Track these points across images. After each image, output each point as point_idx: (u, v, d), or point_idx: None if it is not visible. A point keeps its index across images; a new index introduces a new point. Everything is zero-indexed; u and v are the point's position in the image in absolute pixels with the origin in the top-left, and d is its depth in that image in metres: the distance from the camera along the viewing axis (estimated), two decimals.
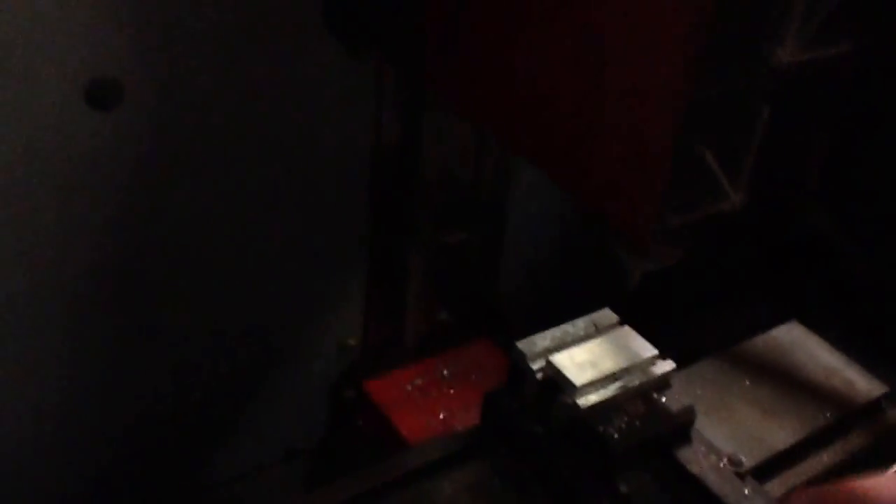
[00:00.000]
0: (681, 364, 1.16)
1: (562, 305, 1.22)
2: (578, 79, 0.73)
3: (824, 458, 1.10)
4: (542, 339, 0.97)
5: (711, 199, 0.74)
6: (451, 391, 1.20)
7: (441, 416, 1.16)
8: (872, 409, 1.17)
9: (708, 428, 1.04)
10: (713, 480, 0.92)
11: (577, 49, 0.72)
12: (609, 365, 0.96)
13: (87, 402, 1.02)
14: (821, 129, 0.80)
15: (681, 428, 0.96)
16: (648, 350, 0.98)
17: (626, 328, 1.00)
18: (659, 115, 0.67)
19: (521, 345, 0.96)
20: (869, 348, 1.29)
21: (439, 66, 0.87)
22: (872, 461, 1.10)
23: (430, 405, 1.17)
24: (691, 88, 0.65)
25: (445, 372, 1.22)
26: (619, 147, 0.71)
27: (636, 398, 0.95)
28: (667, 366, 0.97)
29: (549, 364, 0.92)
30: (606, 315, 1.02)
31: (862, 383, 1.19)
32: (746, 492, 0.93)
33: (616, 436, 0.91)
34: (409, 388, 1.19)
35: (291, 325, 1.11)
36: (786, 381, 1.18)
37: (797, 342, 1.24)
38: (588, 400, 0.91)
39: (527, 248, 1.26)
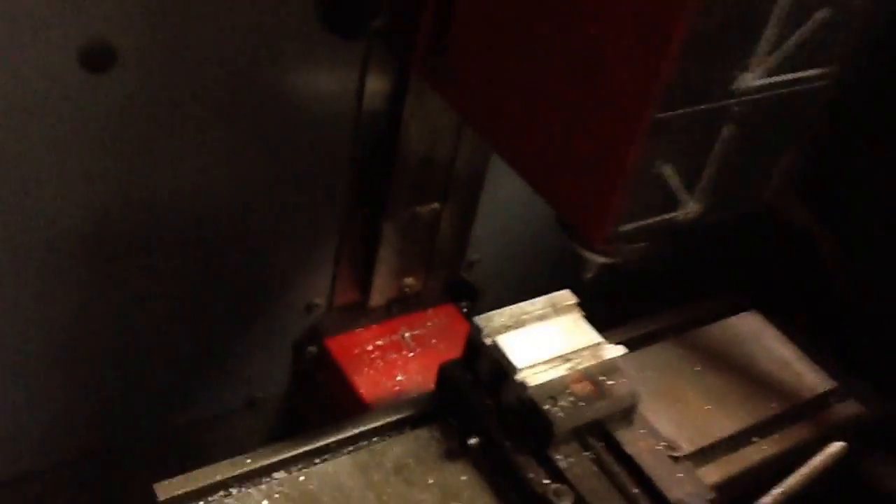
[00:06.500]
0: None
1: (534, 277, 1.36)
2: (553, 85, 0.86)
3: (765, 448, 1.25)
4: (500, 316, 1.12)
5: (667, 208, 0.87)
6: (411, 354, 1.34)
7: (398, 378, 1.30)
8: (819, 403, 1.32)
9: (653, 412, 1.20)
10: (647, 461, 1.08)
11: (555, 57, 0.85)
12: (560, 347, 1.10)
13: (54, 344, 1.16)
14: (785, 146, 0.93)
15: (623, 411, 1.10)
16: (597, 335, 1.12)
17: (582, 312, 1.15)
18: (621, 131, 0.80)
19: (479, 320, 1.11)
20: (838, 347, 1.43)
21: (428, 55, 1.00)
22: (813, 453, 1.22)
23: (388, 366, 1.32)
24: (653, 111, 0.78)
25: (407, 335, 1.36)
26: (582, 153, 0.84)
27: (584, 380, 1.09)
28: (616, 350, 1.12)
29: (495, 345, 1.06)
30: (565, 296, 1.16)
31: (812, 377, 1.35)
32: (679, 474, 1.08)
33: (559, 415, 1.05)
34: (370, 348, 1.34)
35: (261, 281, 1.25)
36: (737, 369, 1.33)
37: (753, 332, 1.40)
38: (535, 379, 1.06)
39: (499, 220, 1.38)
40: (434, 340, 1.36)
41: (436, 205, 1.27)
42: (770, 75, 0.83)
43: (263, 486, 1.05)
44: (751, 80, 0.82)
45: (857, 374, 1.39)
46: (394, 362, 1.33)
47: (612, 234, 0.85)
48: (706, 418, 1.25)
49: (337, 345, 1.33)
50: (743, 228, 1.62)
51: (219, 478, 1.03)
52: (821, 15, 0.82)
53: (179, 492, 1.01)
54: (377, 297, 1.32)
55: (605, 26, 0.79)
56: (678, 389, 1.28)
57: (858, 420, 1.32)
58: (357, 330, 1.35)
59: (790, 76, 0.84)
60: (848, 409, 1.33)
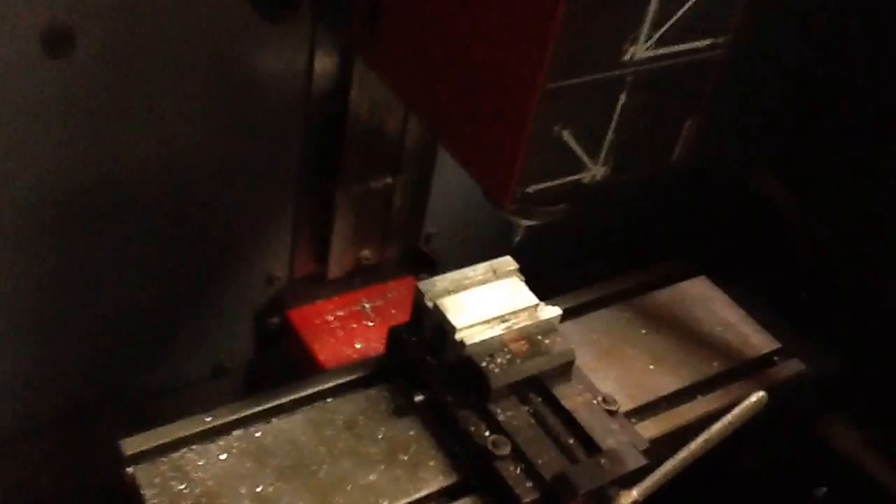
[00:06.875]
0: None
1: (492, 248, 1.44)
2: (462, 56, 0.95)
3: (705, 405, 1.32)
4: (442, 281, 1.20)
5: (571, 171, 0.96)
6: (370, 324, 1.43)
7: (357, 346, 1.39)
8: (762, 363, 1.40)
9: (597, 371, 1.28)
10: (583, 415, 1.16)
11: (462, 28, 0.94)
12: (498, 308, 1.18)
13: (23, 315, 1.25)
14: (686, 112, 1.01)
15: (560, 368, 1.19)
16: (533, 297, 1.20)
17: (521, 277, 1.23)
18: (517, 98, 0.89)
19: (422, 285, 1.19)
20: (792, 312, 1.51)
21: (361, 32, 1.09)
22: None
23: (347, 335, 1.41)
24: (544, 80, 0.86)
25: (367, 305, 1.45)
26: (487, 120, 0.93)
27: (520, 339, 1.17)
28: (552, 311, 1.20)
29: (436, 307, 1.14)
30: (505, 262, 1.24)
31: (757, 338, 1.43)
32: (614, 426, 1.16)
33: (496, 371, 1.14)
34: (330, 318, 1.43)
35: (223, 254, 1.34)
36: (682, 332, 1.41)
37: (701, 297, 1.48)
38: (473, 338, 1.14)
39: (456, 193, 1.46)
40: (393, 311, 1.45)
41: (388, 178, 1.36)
42: (660, 46, 0.91)
43: (222, 442, 1.14)
44: (642, 51, 0.90)
45: (810, 338, 1.47)
46: (354, 332, 1.42)
47: (520, 195, 0.94)
48: (649, 377, 1.33)
49: (298, 315, 1.42)
50: (701, 197, 1.72)
51: (181, 434, 1.12)
52: None
53: (144, 447, 1.10)
54: (336, 269, 1.41)
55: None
56: (623, 351, 1.36)
57: (800, 378, 1.39)
58: (318, 301, 1.44)
59: (680, 47, 0.92)
60: (791, 367, 1.41)
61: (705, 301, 1.47)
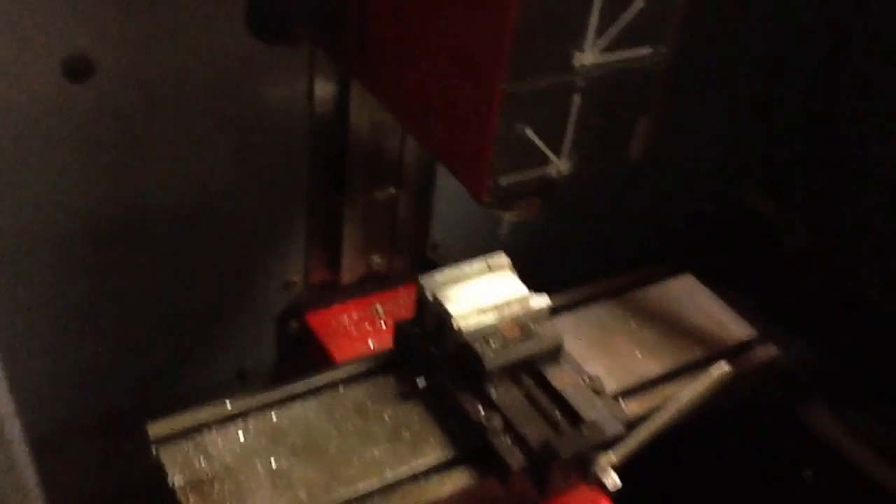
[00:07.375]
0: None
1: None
2: (439, 65, 1.08)
3: (686, 386, 1.42)
4: (441, 275, 1.32)
5: (538, 165, 1.08)
6: (383, 325, 1.55)
7: (371, 346, 1.51)
8: (740, 348, 1.51)
9: (588, 359, 1.40)
10: (570, 393, 1.27)
11: (437, 40, 1.07)
12: (492, 299, 1.30)
13: (60, 323, 1.38)
14: (637, 113, 1.13)
15: (550, 351, 1.30)
16: (525, 288, 1.32)
17: (513, 271, 1.35)
18: (481, 101, 1.01)
19: (422, 279, 1.31)
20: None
21: (353, 55, 1.23)
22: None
23: (362, 336, 1.53)
24: (502, 84, 0.99)
25: (380, 309, 1.57)
26: (460, 122, 1.05)
27: (513, 326, 1.29)
28: (542, 300, 1.31)
29: (436, 299, 1.26)
30: (499, 258, 1.36)
31: (735, 328, 1.54)
32: (598, 403, 1.27)
33: (491, 354, 1.25)
34: (346, 321, 1.55)
35: (242, 263, 1.47)
36: (668, 323, 1.52)
37: (686, 292, 1.59)
38: (469, 325, 1.26)
39: (460, 204, 1.55)
40: (404, 312, 1.56)
41: (391, 190, 1.49)
42: (605, 53, 1.03)
43: (240, 425, 1.25)
44: (589, 57, 1.02)
45: (789, 329, 1.58)
46: (368, 333, 1.53)
47: (493, 187, 1.05)
48: (636, 363, 1.44)
49: (316, 319, 1.54)
50: (690, 204, 1.84)
51: (202, 419, 1.24)
52: (639, 3, 1.02)
53: (168, 430, 1.22)
54: (348, 275, 1.54)
55: (462, 13, 1.01)
56: (613, 340, 1.47)
57: (775, 362, 1.50)
58: (334, 306, 1.57)
59: (623, 55, 1.04)
60: (766, 352, 1.51)
61: (690, 296, 1.58)
